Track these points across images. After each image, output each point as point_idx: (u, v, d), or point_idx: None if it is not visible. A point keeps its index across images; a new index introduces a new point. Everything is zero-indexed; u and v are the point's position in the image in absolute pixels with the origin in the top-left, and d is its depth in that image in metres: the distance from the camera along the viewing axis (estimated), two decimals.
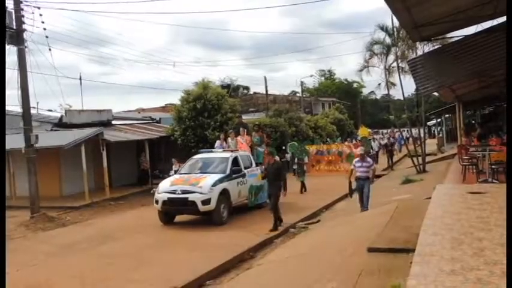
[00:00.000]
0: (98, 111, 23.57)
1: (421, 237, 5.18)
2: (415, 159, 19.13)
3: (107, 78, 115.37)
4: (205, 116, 21.19)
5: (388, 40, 21.01)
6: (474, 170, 11.93)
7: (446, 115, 32.91)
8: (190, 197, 11.69)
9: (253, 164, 14.30)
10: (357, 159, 11.47)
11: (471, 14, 10.37)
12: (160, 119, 28.05)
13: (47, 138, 17.66)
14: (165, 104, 43.30)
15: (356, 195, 11.47)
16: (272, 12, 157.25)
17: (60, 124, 21.27)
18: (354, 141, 28.63)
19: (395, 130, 39.71)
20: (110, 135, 19.70)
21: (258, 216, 12.72)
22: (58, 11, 65.45)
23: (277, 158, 13.11)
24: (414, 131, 26.67)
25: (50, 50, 15.79)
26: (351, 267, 6.22)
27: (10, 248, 10.57)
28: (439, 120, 36.64)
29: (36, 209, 14.49)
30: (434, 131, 44.85)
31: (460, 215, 6.13)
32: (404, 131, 32.43)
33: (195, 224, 12.26)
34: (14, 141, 16.44)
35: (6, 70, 15.05)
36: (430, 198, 8.19)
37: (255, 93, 54.10)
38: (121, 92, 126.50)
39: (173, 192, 11.99)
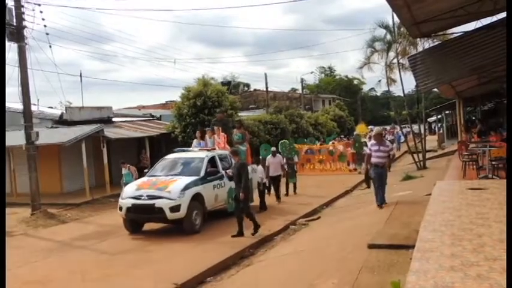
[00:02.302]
0: (98, 108, 23.59)
1: (421, 234, 5.19)
2: (415, 155, 19.14)
3: (107, 75, 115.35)
4: (206, 113, 21.20)
5: (388, 37, 21.01)
6: (474, 166, 11.93)
7: (447, 111, 32.90)
8: (157, 203, 10.36)
9: (233, 165, 12.33)
10: (373, 141, 10.09)
11: (471, 10, 10.37)
12: (160, 116, 28.06)
13: (48, 135, 17.68)
14: (166, 101, 43.37)
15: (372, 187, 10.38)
16: (274, 8, 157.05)
17: (61, 121, 21.28)
18: (346, 140, 28.36)
19: (396, 127, 39.75)
20: (111, 133, 19.73)
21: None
22: (59, 8, 65.27)
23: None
24: (415, 127, 26.63)
25: (50, 46, 15.86)
26: (351, 263, 6.24)
27: (11, 245, 10.63)
28: (439, 116, 36.63)
29: (37, 206, 14.52)
30: (434, 127, 44.81)
31: (460, 211, 6.13)
32: (404, 127, 32.38)
33: None
34: (15, 138, 16.45)
35: (7, 67, 15.13)
36: (430, 194, 8.20)
37: (255, 90, 54.13)
38: (121, 89, 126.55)
39: (138, 197, 10.67)
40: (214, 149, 13.10)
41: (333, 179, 19.30)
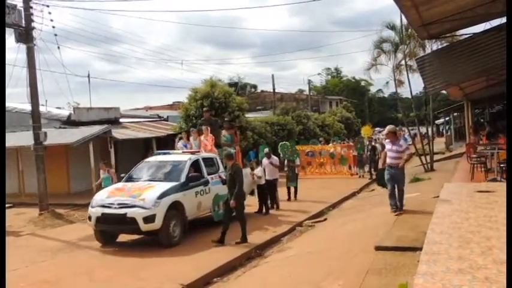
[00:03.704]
0: (105, 109, 23.72)
1: (428, 236, 5.16)
2: (423, 157, 19.04)
3: (116, 76, 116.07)
4: (213, 114, 21.21)
5: (396, 38, 20.95)
6: (482, 169, 11.87)
7: (455, 113, 32.74)
8: (130, 212, 9.23)
9: (221, 169, 11.69)
10: (387, 140, 9.37)
11: (480, 11, 10.32)
12: (167, 117, 28.14)
13: (56, 136, 17.77)
14: (173, 102, 43.55)
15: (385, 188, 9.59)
16: (282, 10, 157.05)
17: (69, 122, 21.40)
18: (347, 142, 27.98)
19: (403, 129, 39.56)
20: (118, 133, 19.81)
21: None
22: (69, 9, 65.69)
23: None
24: (422, 129, 26.50)
25: (58, 48, 15.88)
26: (358, 265, 6.22)
27: (19, 245, 10.73)
28: (447, 118, 36.46)
29: (45, 206, 14.59)
30: (442, 129, 44.56)
31: (468, 214, 6.10)
32: (412, 129, 32.19)
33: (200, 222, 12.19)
34: (23, 138, 16.56)
35: (16, 68, 15.28)
36: (438, 196, 8.16)
37: (262, 91, 54.17)
38: (129, 90, 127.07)
39: (109, 206, 9.57)
40: (199, 151, 12.10)
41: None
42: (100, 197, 10.06)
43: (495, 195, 7.32)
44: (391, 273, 5.64)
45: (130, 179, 10.95)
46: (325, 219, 11.93)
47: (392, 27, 20.82)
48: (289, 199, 14.90)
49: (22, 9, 14.45)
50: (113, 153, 18.80)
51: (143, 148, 22.86)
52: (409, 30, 18.85)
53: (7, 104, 23.44)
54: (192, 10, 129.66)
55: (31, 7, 14.68)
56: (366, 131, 29.27)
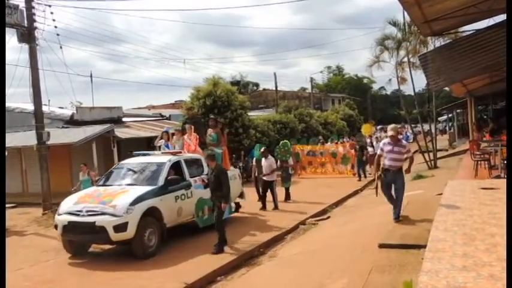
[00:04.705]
0: (108, 108, 23.78)
1: (432, 233, 5.15)
2: (426, 155, 18.99)
3: (118, 75, 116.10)
4: (216, 112, 21.21)
5: (399, 35, 20.85)
6: (486, 166, 11.82)
7: (458, 110, 32.64)
8: (99, 220, 8.38)
9: (206, 171, 10.58)
10: (386, 140, 8.35)
11: (483, 8, 10.28)
12: (170, 115, 28.17)
13: (59, 136, 17.82)
14: (175, 101, 43.59)
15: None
16: (284, 8, 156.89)
17: (72, 121, 21.46)
18: (348, 140, 27.66)
19: (406, 126, 39.45)
20: (121, 132, 19.85)
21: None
22: (71, 9, 65.80)
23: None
24: (425, 126, 26.40)
25: (61, 47, 15.92)
26: (362, 263, 6.21)
27: (23, 244, 10.75)
28: (450, 115, 36.34)
29: (48, 206, 14.63)
30: (445, 126, 44.40)
31: (472, 211, 6.08)
32: (415, 126, 32.08)
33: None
34: (26, 138, 16.59)
35: (19, 68, 15.33)
36: (441, 194, 8.14)
37: (264, 89, 54.20)
38: (131, 89, 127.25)
39: (77, 213, 8.71)
40: (181, 152, 11.23)
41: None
42: (67, 203, 9.18)
43: (499, 192, 7.30)
44: (395, 270, 5.63)
45: (104, 183, 10.15)
46: (328, 218, 11.91)
47: (394, 24, 20.70)
48: (285, 200, 14.37)
49: (24, 9, 14.48)
50: (115, 153, 18.83)
51: (146, 147, 22.90)
52: (412, 27, 18.77)
53: (10, 104, 23.55)
54: (194, 9, 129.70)
55: (33, 7, 14.72)
56: (366, 128, 28.97)
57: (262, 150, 14.06)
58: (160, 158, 10.51)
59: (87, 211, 8.61)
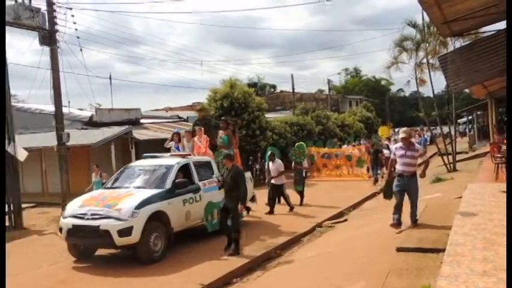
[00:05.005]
0: (127, 110, 24.05)
1: (451, 237, 5.08)
2: (445, 157, 18.73)
3: (137, 77, 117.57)
4: (233, 114, 21.28)
5: (418, 36, 20.63)
6: (506, 168, 11.60)
7: (478, 112, 32.14)
8: (103, 224, 8.17)
9: (216, 174, 10.56)
10: (398, 144, 8.07)
11: (504, 8, 10.08)
12: (187, 117, 28.33)
13: (78, 137, 18.08)
14: (192, 103, 43.81)
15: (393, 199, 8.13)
16: (302, 9, 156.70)
17: (91, 123, 21.77)
18: (364, 142, 27.27)
19: (424, 128, 38.99)
20: (139, 134, 20.05)
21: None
22: (91, 12, 66.84)
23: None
24: (444, 128, 26.06)
25: (81, 50, 16.16)
26: (379, 266, 6.15)
27: (42, 243, 10.94)
28: (470, 117, 35.79)
29: None
30: (465, 128, 43.73)
31: (493, 215, 5.98)
32: (434, 129, 31.62)
33: None
34: (47, 139, 16.85)
35: (40, 70, 15.59)
36: (460, 197, 8.03)
37: (281, 91, 54.17)
38: (149, 91, 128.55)
39: (81, 216, 8.51)
40: (190, 154, 10.98)
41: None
42: (73, 206, 8.99)
43: None
44: (413, 274, 5.55)
45: (111, 186, 9.95)
46: (345, 220, 11.83)
47: (413, 25, 20.48)
48: (301, 203, 14.11)
49: (46, 12, 14.74)
50: (133, 154, 19.01)
51: (163, 148, 23.07)
52: (431, 27, 18.56)
53: (31, 105, 23.98)
54: (211, 11, 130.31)
55: (54, 10, 14.98)
56: (383, 131, 28.58)
57: (268, 154, 13.73)
58: (169, 161, 10.23)
59: (92, 214, 8.40)
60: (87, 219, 8.39)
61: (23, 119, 20.66)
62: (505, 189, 7.84)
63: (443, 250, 4.83)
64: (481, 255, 4.25)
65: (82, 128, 20.94)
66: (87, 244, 8.91)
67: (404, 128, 8.53)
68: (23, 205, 13.51)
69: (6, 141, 12.65)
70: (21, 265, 8.64)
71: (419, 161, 7.76)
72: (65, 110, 17.02)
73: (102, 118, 22.04)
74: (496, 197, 7.34)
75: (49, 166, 19.17)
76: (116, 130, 19.08)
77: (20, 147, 13.41)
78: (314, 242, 9.90)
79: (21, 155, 13.33)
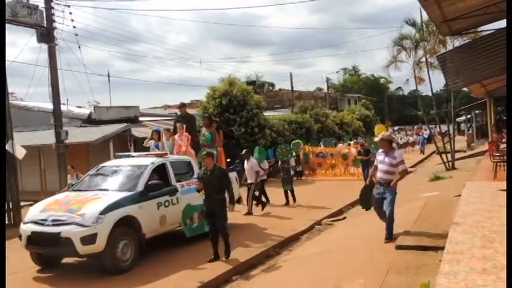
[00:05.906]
0: (125, 107, 24.02)
1: (450, 235, 5.09)
2: (443, 156, 18.77)
3: (135, 75, 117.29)
4: (231, 112, 21.26)
5: (417, 35, 20.67)
6: (506, 167, 11.64)
7: (477, 111, 32.21)
8: (64, 231, 7.37)
9: (196, 174, 9.54)
10: (380, 149, 7.52)
11: (503, 7, 10.10)
12: None
13: (77, 134, 18.06)
14: (191, 101, 43.76)
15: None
16: (301, 8, 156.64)
17: (89, 120, 21.74)
18: (360, 141, 27.16)
19: (423, 127, 39.02)
20: (137, 131, 20.02)
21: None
22: (89, 9, 66.84)
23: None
24: (443, 127, 26.11)
25: (79, 47, 16.17)
26: (379, 264, 6.16)
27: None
28: (468, 116, 35.87)
29: None
30: (465, 128, 43.79)
31: (491, 213, 6.00)
32: (432, 127, 31.67)
33: None
34: (45, 137, 16.82)
35: (38, 68, 15.59)
36: (459, 195, 8.05)
37: (280, 89, 54.16)
38: (148, 88, 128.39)
39: (42, 222, 7.71)
40: (167, 154, 10.08)
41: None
42: (33, 211, 8.21)
43: None
44: (412, 272, 5.57)
45: (78, 188, 9.19)
46: (344, 218, 11.84)
47: (412, 24, 20.51)
48: (287, 203, 13.63)
49: (44, 9, 14.71)
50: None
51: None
52: (430, 26, 18.57)
53: (29, 103, 23.93)
54: (210, 9, 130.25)
55: (52, 7, 14.95)
56: (379, 129, 28.44)
57: (243, 152, 13.31)
58: (143, 161, 9.39)
59: (53, 220, 7.62)
60: (48, 225, 7.63)
61: (21, 116, 20.61)
62: (504, 188, 7.88)
63: (443, 248, 4.83)
64: (480, 253, 4.26)
65: (80, 126, 20.91)
66: (48, 253, 8.03)
67: (385, 133, 8.14)
68: (22, 203, 13.47)
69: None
70: None
71: (400, 169, 7.17)
72: (63, 107, 17.05)
73: (100, 116, 22.01)
74: (495, 196, 7.36)
75: (48, 164, 19.13)
76: (115, 128, 19.07)
77: (18, 145, 13.38)
78: (313, 240, 9.91)
79: (20, 153, 13.30)
